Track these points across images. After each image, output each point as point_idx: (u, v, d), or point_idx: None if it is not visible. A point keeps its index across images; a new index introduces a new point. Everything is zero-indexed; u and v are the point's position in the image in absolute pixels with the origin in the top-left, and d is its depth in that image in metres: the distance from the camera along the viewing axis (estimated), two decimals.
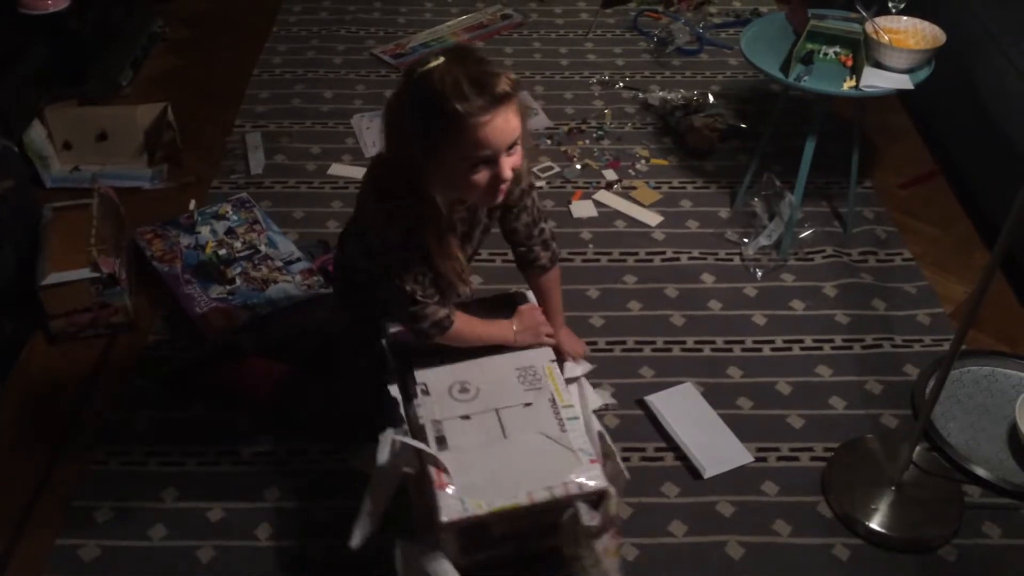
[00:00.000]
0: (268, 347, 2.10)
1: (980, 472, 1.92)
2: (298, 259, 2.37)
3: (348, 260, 1.83)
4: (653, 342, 2.24)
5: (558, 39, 3.46)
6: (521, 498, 1.51)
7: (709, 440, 1.99)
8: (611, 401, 2.05)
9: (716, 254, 2.50)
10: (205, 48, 3.40)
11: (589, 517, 1.53)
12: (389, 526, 1.62)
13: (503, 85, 1.43)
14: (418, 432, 1.61)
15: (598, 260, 2.48)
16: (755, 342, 2.24)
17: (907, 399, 2.11)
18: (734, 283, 2.41)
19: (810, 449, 1.99)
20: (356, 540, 1.57)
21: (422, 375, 1.69)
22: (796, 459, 1.97)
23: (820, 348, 2.23)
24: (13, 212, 2.33)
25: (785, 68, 2.30)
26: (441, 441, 1.58)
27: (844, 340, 2.25)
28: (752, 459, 1.97)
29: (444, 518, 1.48)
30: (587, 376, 1.84)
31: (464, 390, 1.66)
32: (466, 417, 1.62)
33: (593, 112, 3.06)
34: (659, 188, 2.73)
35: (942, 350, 2.21)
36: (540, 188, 2.72)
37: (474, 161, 1.47)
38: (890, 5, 2.32)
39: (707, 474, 1.93)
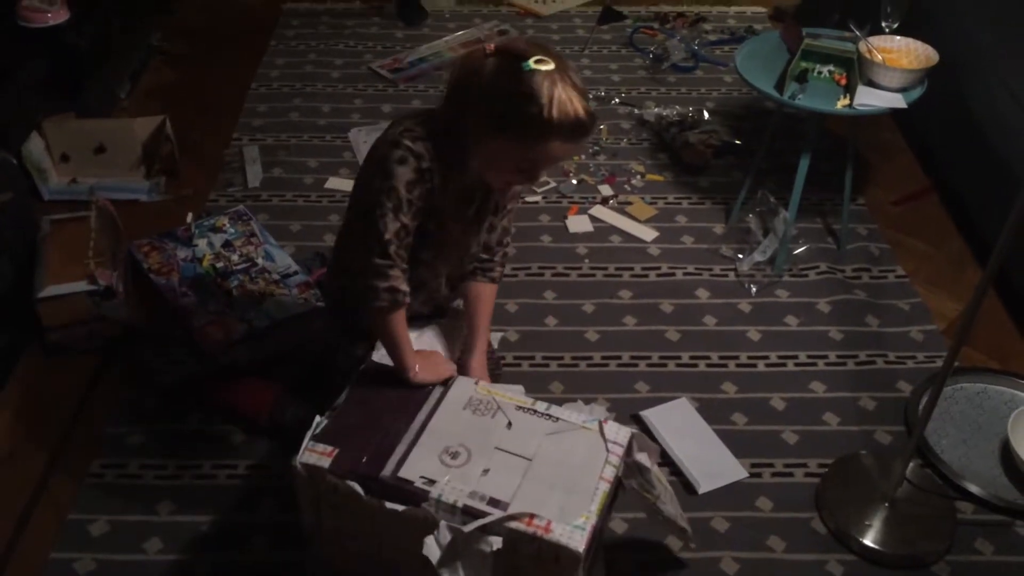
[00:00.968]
0: (265, 360, 2.11)
1: (973, 489, 1.93)
2: (295, 272, 2.38)
3: (343, 262, 1.81)
4: (648, 357, 2.25)
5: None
6: (601, 486, 1.53)
7: (704, 455, 2.00)
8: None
9: (711, 270, 2.52)
10: (203, 62, 3.42)
11: (647, 460, 1.62)
12: None
13: (591, 119, 1.49)
14: (459, 513, 1.50)
15: (594, 275, 2.49)
16: (749, 358, 2.26)
17: (900, 415, 2.12)
18: (729, 299, 2.43)
19: (804, 465, 2.00)
20: None
21: (409, 471, 1.54)
22: (790, 475, 1.98)
23: (814, 364, 2.24)
24: (11, 224, 2.33)
25: (780, 86, 2.32)
26: (495, 502, 1.50)
27: (838, 356, 2.26)
28: (746, 475, 1.98)
29: (580, 549, 1.45)
30: (584, 397, 1.88)
31: (453, 455, 1.58)
32: (486, 471, 1.55)
33: None
34: (654, 203, 2.75)
35: (935, 367, 2.22)
36: (536, 203, 2.73)
37: (526, 165, 1.53)
38: (883, 25, 2.35)
39: (702, 490, 1.94)
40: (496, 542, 1.47)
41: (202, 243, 2.44)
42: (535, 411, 1.65)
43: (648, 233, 2.64)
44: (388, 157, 1.57)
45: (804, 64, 2.33)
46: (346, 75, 3.34)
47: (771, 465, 2.00)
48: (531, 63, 1.45)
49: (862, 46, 2.30)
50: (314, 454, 1.57)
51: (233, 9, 3.78)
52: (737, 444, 2.03)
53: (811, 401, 2.15)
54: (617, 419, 2.06)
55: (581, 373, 2.20)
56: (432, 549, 1.49)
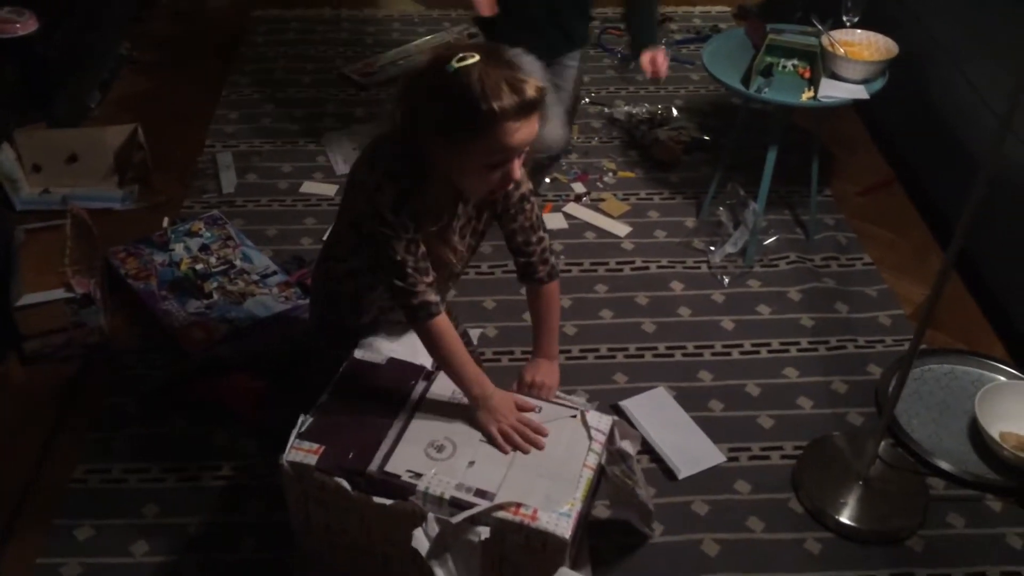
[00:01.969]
0: (247, 359, 2.12)
1: (943, 465, 1.98)
2: (274, 272, 2.40)
3: (331, 272, 1.81)
4: (626, 348, 2.29)
5: None
6: (585, 473, 1.56)
7: (683, 442, 2.04)
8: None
9: (684, 262, 2.56)
10: (173, 70, 3.42)
11: (630, 447, 1.66)
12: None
13: (535, 92, 1.46)
14: (446, 505, 1.52)
15: (569, 271, 2.53)
16: (724, 346, 2.30)
17: (871, 398, 2.17)
18: (702, 290, 2.47)
19: (780, 448, 2.05)
20: None
21: (395, 466, 1.56)
22: (767, 458, 2.03)
23: (787, 351, 2.29)
24: None
25: (746, 81, 2.37)
26: (481, 493, 1.52)
27: (809, 342, 2.32)
28: (724, 459, 2.02)
29: (566, 535, 1.47)
30: (564, 390, 1.88)
31: (439, 448, 1.60)
32: (472, 463, 1.58)
33: None
34: (627, 200, 2.79)
35: (903, 350, 2.28)
36: None
37: (492, 161, 1.51)
38: (844, 19, 2.41)
39: (681, 475, 1.98)
40: (484, 532, 1.49)
41: (179, 247, 2.45)
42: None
43: (621, 229, 2.68)
44: (366, 183, 1.56)
45: (769, 59, 2.39)
46: (317, 80, 3.36)
47: (748, 449, 2.05)
48: (454, 63, 1.45)
49: (824, 40, 2.36)
50: (300, 452, 1.58)
51: (202, 17, 3.79)
52: (714, 430, 2.07)
53: (785, 386, 2.20)
54: (597, 410, 2.11)
55: (560, 366, 2.22)
56: (421, 541, 1.51)
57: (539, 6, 2.27)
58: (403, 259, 1.56)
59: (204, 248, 2.46)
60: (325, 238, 2.55)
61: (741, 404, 2.15)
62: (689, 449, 2.02)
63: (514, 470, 1.57)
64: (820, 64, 2.34)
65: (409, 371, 1.74)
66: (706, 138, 3.01)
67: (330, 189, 2.82)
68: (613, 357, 2.27)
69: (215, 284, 2.34)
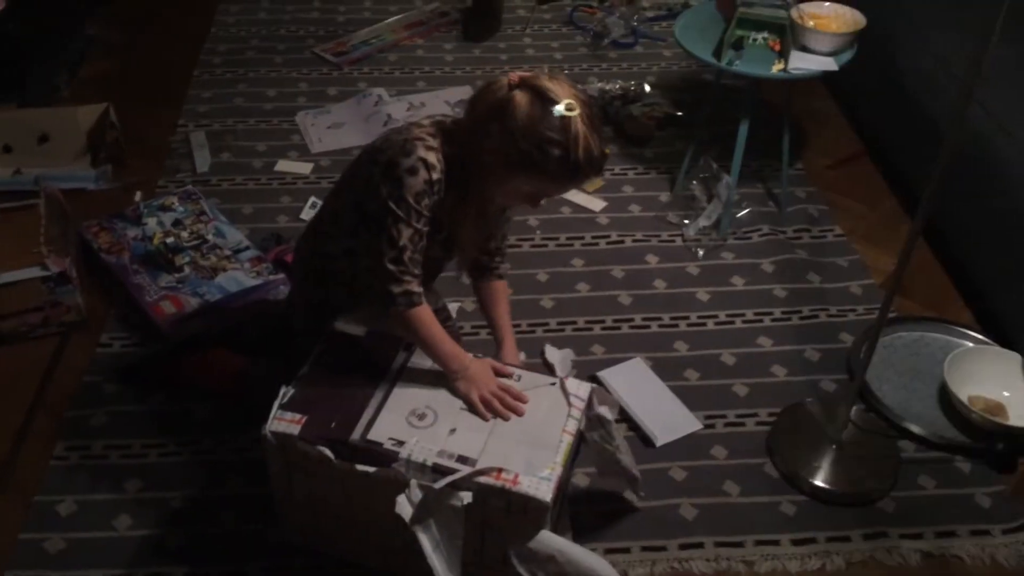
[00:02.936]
0: (225, 335, 2.12)
1: (914, 429, 2.03)
2: (247, 248, 2.39)
3: (320, 249, 1.80)
4: (603, 321, 2.31)
5: (497, 35, 3.53)
6: (564, 439, 1.59)
7: (660, 411, 2.07)
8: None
9: (659, 236, 2.59)
10: (143, 50, 3.38)
11: (608, 412, 1.70)
12: None
13: (605, 158, 1.55)
14: (429, 471, 1.54)
15: (546, 245, 2.55)
16: (699, 317, 2.34)
17: (843, 365, 2.22)
18: (677, 263, 2.50)
19: (755, 415, 2.09)
20: None
21: (377, 434, 1.58)
22: (742, 424, 2.07)
23: (760, 321, 2.33)
24: None
25: (717, 54, 2.40)
26: (463, 459, 1.55)
27: (783, 312, 2.35)
28: (701, 426, 2.05)
29: (547, 499, 1.49)
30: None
31: (420, 416, 1.62)
32: (453, 431, 1.60)
33: None
34: (601, 175, 2.81)
35: (874, 318, 2.32)
36: None
37: (545, 194, 1.61)
38: None
39: (659, 442, 2.01)
40: (466, 497, 1.51)
41: (152, 222, 2.44)
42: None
43: (597, 204, 2.71)
44: (398, 164, 1.56)
45: (740, 32, 2.41)
46: (289, 60, 3.34)
47: (724, 416, 2.08)
48: (562, 109, 1.48)
49: (794, 12, 2.39)
50: (283, 422, 1.60)
51: None
52: (691, 398, 2.11)
53: (759, 355, 2.24)
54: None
55: (538, 339, 2.25)
56: (404, 508, 1.53)
57: None
58: (404, 245, 1.58)
59: (177, 223, 2.45)
60: (304, 216, 2.57)
61: (716, 373, 2.19)
62: (666, 417, 2.06)
63: (495, 437, 1.59)
64: (790, 36, 2.36)
65: (389, 342, 1.76)
66: (679, 114, 3.04)
67: (305, 167, 2.81)
68: (590, 329, 2.29)
69: (187, 258, 2.33)
